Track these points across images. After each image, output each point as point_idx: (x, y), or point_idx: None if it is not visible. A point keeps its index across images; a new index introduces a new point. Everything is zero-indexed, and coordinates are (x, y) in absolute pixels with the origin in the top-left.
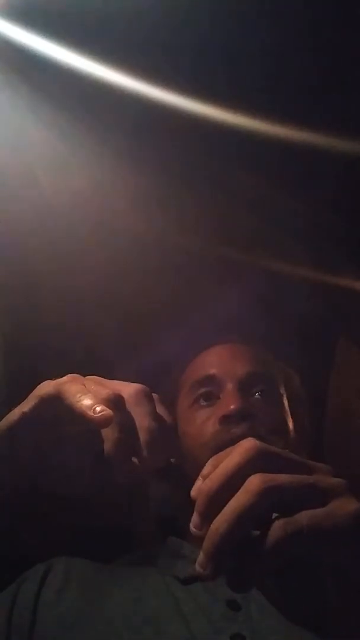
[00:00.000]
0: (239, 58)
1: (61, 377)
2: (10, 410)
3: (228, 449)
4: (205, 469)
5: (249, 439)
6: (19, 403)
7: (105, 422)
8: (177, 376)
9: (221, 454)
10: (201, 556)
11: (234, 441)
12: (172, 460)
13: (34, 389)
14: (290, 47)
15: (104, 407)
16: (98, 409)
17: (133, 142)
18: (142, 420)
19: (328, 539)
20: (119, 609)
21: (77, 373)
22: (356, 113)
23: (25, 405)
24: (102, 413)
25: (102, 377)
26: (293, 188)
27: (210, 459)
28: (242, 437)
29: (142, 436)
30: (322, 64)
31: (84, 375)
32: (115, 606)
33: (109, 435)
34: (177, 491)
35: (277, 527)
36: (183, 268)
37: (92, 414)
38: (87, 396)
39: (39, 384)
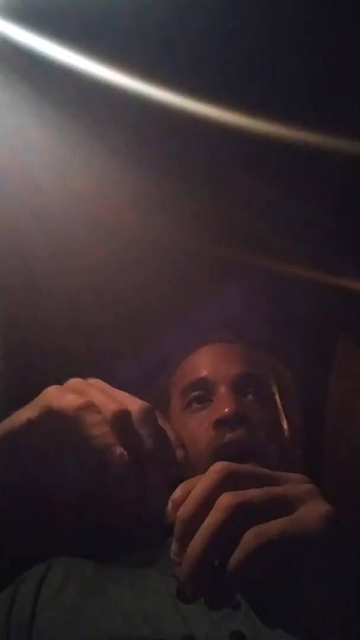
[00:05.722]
0: (239, 57)
1: (60, 375)
2: (9, 409)
3: (198, 476)
4: (175, 494)
5: (219, 462)
6: (19, 402)
7: (121, 465)
8: (171, 372)
9: (192, 479)
10: (180, 577)
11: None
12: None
13: (33, 389)
14: (290, 47)
15: (123, 451)
16: (118, 451)
17: (133, 142)
18: (146, 441)
19: (299, 544)
20: (118, 608)
21: (76, 371)
22: (356, 113)
23: (32, 412)
24: (121, 456)
25: (101, 374)
26: (293, 188)
27: (181, 484)
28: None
29: (146, 457)
30: (323, 64)
31: (82, 372)
32: (114, 605)
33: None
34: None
35: (248, 539)
36: (183, 268)
37: (109, 454)
38: (106, 432)
39: (39, 383)
